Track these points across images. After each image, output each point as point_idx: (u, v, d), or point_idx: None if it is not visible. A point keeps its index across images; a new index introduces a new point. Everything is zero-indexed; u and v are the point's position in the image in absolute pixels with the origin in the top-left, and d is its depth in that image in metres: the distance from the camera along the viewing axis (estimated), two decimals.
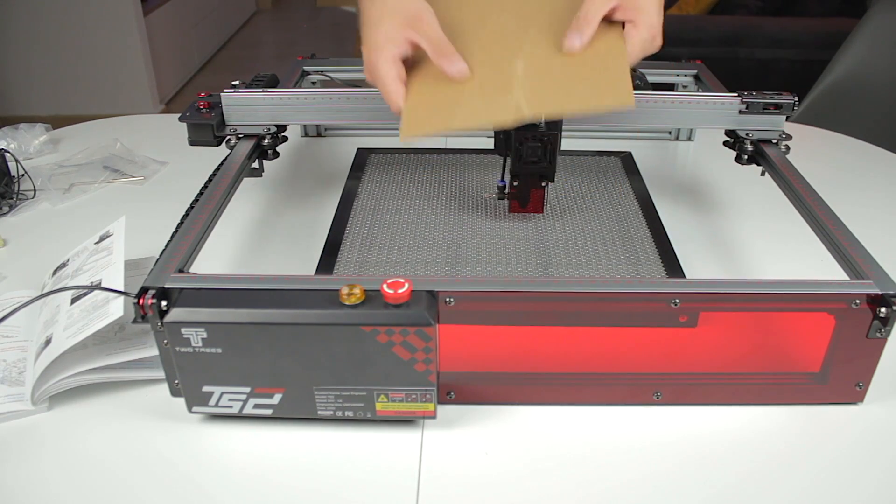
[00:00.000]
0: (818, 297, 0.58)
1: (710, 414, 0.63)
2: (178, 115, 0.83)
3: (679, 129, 1.12)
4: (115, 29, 3.01)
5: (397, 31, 0.64)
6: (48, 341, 0.63)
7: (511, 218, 0.84)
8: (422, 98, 0.65)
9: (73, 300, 0.64)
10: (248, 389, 0.59)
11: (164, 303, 0.56)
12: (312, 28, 4.70)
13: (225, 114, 0.83)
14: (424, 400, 0.59)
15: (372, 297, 0.56)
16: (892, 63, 1.71)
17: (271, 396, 0.59)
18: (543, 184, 0.79)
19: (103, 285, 0.62)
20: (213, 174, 0.76)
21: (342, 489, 0.56)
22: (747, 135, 0.81)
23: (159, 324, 0.56)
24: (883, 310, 0.57)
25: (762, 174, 0.81)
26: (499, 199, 0.82)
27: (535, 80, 0.65)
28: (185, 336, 0.56)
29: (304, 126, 1.13)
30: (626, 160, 1.02)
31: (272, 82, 0.89)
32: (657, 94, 0.81)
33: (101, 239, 0.70)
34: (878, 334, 0.59)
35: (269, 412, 0.60)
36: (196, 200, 0.72)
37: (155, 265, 0.60)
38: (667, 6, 2.93)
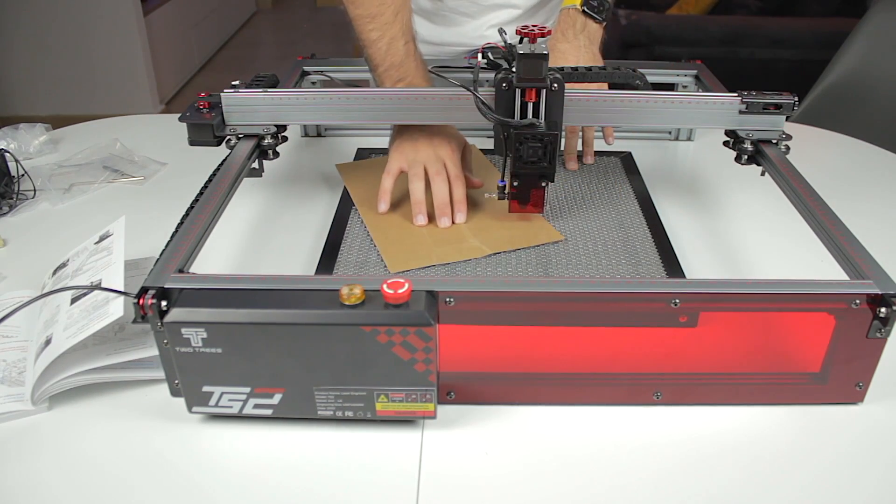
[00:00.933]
0: (818, 297, 0.58)
1: (710, 414, 0.63)
2: (178, 115, 0.83)
3: (679, 129, 1.12)
4: (115, 29, 3.01)
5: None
6: (48, 341, 0.63)
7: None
8: (390, 241, 0.81)
9: (73, 300, 0.64)
10: (248, 389, 0.59)
11: (164, 303, 0.56)
12: (312, 28, 4.70)
13: (225, 114, 0.83)
14: (424, 400, 0.59)
15: (372, 297, 0.56)
16: (892, 63, 1.71)
17: (271, 396, 0.59)
18: (543, 184, 0.79)
19: (103, 285, 0.62)
20: (213, 174, 0.76)
21: (342, 489, 0.56)
22: (747, 135, 0.81)
23: (159, 324, 0.56)
24: (883, 310, 0.57)
25: (762, 174, 0.80)
26: (499, 199, 0.82)
27: (481, 233, 0.82)
28: (185, 336, 0.56)
29: (304, 126, 1.13)
30: (626, 160, 1.02)
31: (272, 82, 0.89)
32: (657, 94, 0.81)
33: (101, 239, 0.70)
34: (878, 334, 0.59)
35: (269, 412, 0.60)
36: (196, 200, 0.71)
37: (155, 265, 0.60)
38: (667, 6, 2.91)
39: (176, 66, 3.50)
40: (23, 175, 0.99)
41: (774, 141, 0.81)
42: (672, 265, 0.78)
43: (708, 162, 1.06)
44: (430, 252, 0.79)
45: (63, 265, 0.72)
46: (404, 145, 0.86)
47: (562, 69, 0.81)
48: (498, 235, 0.82)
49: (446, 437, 0.61)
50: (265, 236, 0.88)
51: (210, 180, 0.75)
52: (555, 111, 0.76)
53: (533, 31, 0.72)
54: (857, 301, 0.57)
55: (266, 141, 0.83)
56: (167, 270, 0.59)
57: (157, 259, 0.61)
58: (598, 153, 1.02)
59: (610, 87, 0.90)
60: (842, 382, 0.62)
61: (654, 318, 0.59)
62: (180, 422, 0.61)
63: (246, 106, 0.83)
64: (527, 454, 0.59)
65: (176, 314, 0.56)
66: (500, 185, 0.82)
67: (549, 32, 0.74)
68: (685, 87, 1.05)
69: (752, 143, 0.81)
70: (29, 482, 0.57)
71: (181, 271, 0.60)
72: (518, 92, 0.75)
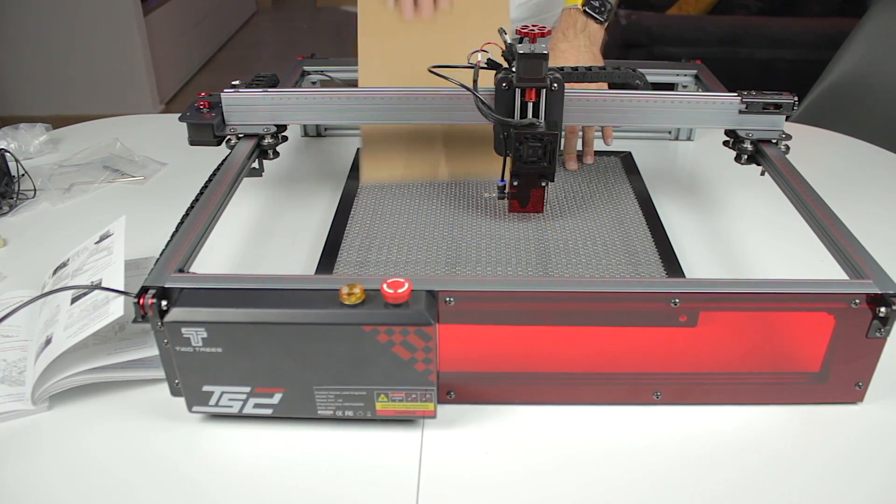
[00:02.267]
0: (818, 296, 0.58)
1: (710, 414, 0.63)
2: (178, 115, 0.83)
3: (679, 129, 1.12)
4: (115, 29, 3.01)
5: None
6: (48, 341, 0.63)
7: (511, 218, 0.84)
8: (375, 152, 0.93)
9: (74, 300, 0.64)
10: (248, 389, 0.59)
11: (164, 302, 0.56)
12: (312, 28, 4.70)
13: (225, 114, 0.83)
14: (424, 400, 0.59)
15: (372, 297, 0.56)
16: (892, 63, 1.70)
17: (271, 396, 0.59)
18: (543, 184, 0.79)
19: (103, 285, 0.62)
20: (213, 174, 0.76)
21: (342, 489, 0.56)
22: (747, 135, 0.81)
23: (159, 323, 0.56)
24: (882, 309, 0.57)
25: (762, 174, 0.81)
26: (499, 198, 0.82)
27: (453, 156, 0.93)
28: (185, 336, 0.56)
29: (304, 126, 1.13)
30: (626, 160, 1.02)
31: (272, 82, 0.89)
32: (657, 94, 0.81)
33: (101, 239, 0.70)
34: (878, 334, 0.59)
35: (269, 412, 0.60)
36: (196, 200, 0.72)
37: (155, 265, 0.60)
38: (667, 6, 2.91)
39: (176, 66, 3.50)
40: (23, 175, 0.99)
41: (774, 141, 0.81)
42: (672, 265, 0.78)
43: (708, 162, 1.06)
44: (398, 168, 0.92)
45: (63, 265, 0.73)
46: None
47: (562, 69, 0.81)
48: (464, 159, 0.92)
49: (446, 436, 0.61)
50: (265, 236, 0.88)
51: (210, 180, 0.75)
52: (555, 111, 0.76)
53: (533, 31, 0.72)
54: (857, 301, 0.57)
55: (266, 141, 0.83)
56: (167, 270, 0.59)
57: (157, 259, 0.61)
58: (597, 153, 1.02)
59: (610, 87, 0.90)
60: (841, 382, 0.62)
61: (653, 318, 0.59)
62: (180, 422, 0.61)
63: (246, 106, 0.83)
64: (527, 454, 0.59)
65: (176, 314, 0.56)
66: (500, 184, 0.82)
67: (549, 32, 0.74)
68: (685, 87, 1.05)
69: (751, 142, 0.81)
70: (29, 482, 0.57)
71: (181, 271, 0.60)
72: (518, 92, 0.75)
